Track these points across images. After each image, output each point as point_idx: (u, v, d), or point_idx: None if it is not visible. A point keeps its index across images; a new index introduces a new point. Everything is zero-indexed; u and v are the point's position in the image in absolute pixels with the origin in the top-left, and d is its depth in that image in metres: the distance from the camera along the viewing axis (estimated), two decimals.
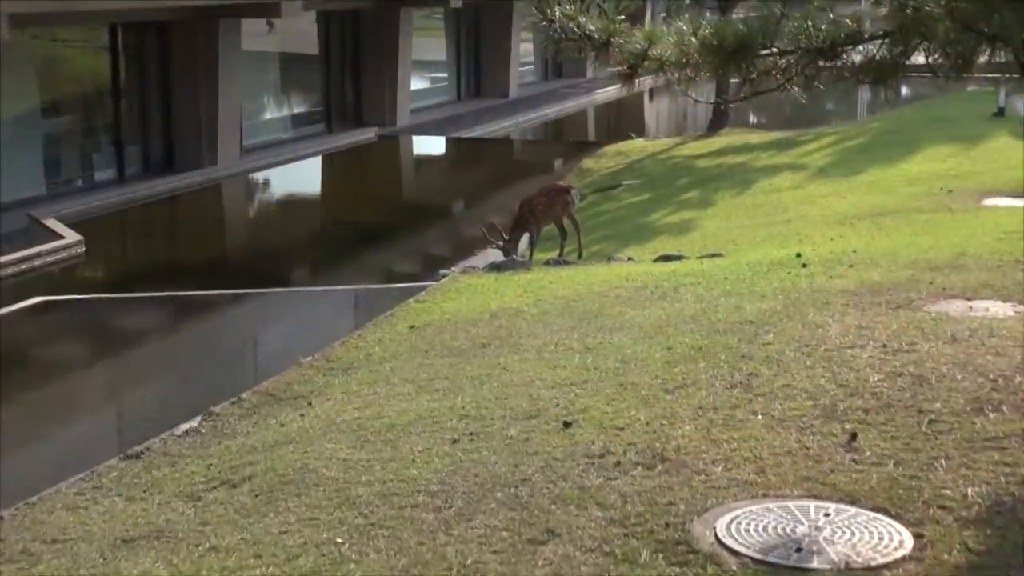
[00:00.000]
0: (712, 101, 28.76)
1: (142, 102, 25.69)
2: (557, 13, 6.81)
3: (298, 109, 32.67)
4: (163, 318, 15.86)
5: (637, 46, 6.71)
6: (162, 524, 6.49)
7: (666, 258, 13.56)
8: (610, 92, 38.33)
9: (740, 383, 7.50)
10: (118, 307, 16.18)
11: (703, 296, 10.25)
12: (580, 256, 16.08)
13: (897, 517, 5.57)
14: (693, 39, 6.59)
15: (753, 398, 7.20)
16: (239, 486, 6.88)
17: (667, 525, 5.59)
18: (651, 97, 40.33)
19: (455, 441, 7.03)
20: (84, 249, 19.48)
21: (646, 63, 6.75)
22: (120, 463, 7.80)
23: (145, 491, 7.18)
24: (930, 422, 6.60)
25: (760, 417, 6.86)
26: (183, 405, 10.13)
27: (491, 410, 7.54)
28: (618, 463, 6.36)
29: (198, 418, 8.60)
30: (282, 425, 8.09)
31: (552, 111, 38.09)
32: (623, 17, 6.88)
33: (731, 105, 28.61)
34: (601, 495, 5.97)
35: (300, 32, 31.57)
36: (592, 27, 6.74)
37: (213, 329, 15.41)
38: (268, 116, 31.42)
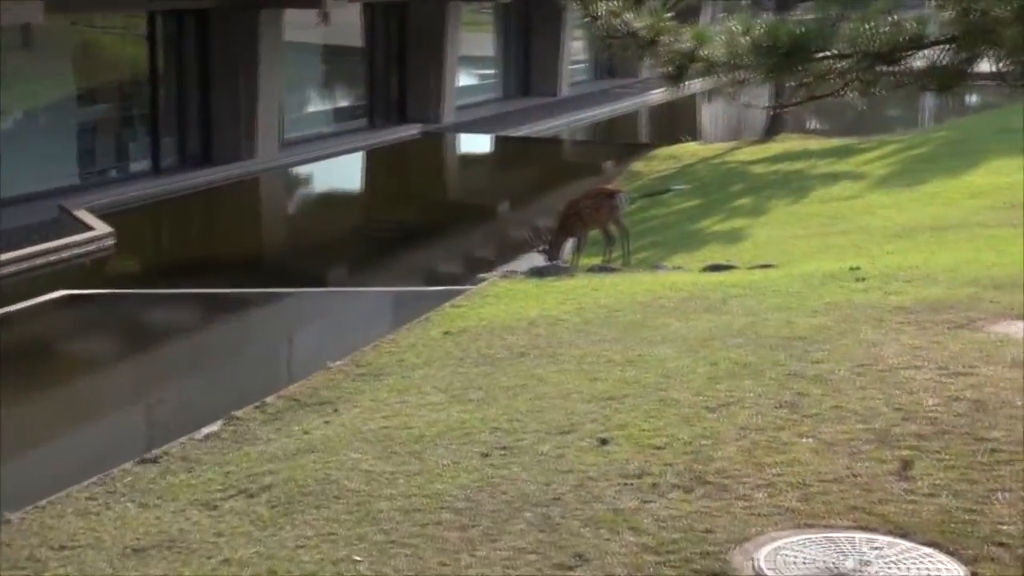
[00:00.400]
0: (764, 106, 28.31)
1: (180, 92, 25.58)
2: (602, 9, 6.58)
3: (340, 103, 32.61)
4: (190, 316, 15.72)
5: (685, 46, 6.49)
6: (175, 533, 6.37)
7: (715, 268, 13.37)
8: (663, 93, 38.00)
9: (787, 403, 7.34)
10: (144, 303, 16.06)
11: (752, 309, 10.07)
12: (626, 263, 15.80)
13: (952, 553, 5.46)
14: (744, 39, 6.33)
15: (801, 420, 7.05)
16: (257, 496, 6.75)
17: (704, 554, 5.50)
18: (707, 99, 40.00)
19: (485, 455, 6.90)
20: (114, 241, 19.21)
21: (694, 64, 6.50)
22: (135, 467, 7.62)
23: (159, 498, 7.02)
24: (989, 451, 6.45)
25: (808, 440, 6.73)
26: (206, 407, 9.99)
27: (524, 423, 7.39)
28: (655, 485, 6.24)
29: (219, 422, 8.42)
30: (306, 432, 7.91)
31: (603, 111, 37.91)
32: (671, 15, 6.63)
33: (787, 110, 28.16)
34: (636, 519, 5.87)
35: (345, 24, 31.41)
36: (638, 24, 6.48)
37: (242, 328, 15.32)
38: (309, 109, 31.36)
